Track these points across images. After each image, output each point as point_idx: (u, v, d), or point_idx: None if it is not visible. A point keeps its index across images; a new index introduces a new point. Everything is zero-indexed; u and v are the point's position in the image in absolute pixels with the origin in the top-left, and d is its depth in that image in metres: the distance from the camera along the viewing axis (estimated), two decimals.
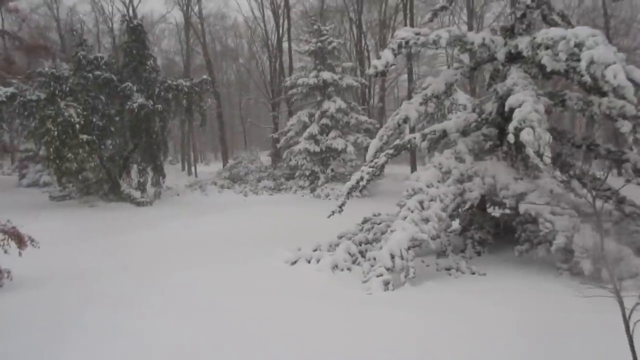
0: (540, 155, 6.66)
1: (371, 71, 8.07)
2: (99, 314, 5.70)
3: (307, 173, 21.23)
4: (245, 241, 10.24)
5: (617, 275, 6.26)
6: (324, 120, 21.06)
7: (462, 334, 4.70)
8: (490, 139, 9.45)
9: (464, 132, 10.05)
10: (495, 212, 10.29)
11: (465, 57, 14.94)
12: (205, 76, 20.23)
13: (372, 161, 9.00)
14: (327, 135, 21.10)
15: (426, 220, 7.15)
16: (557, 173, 8.99)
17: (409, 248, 6.69)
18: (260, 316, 5.34)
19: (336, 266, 7.70)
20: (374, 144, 9.00)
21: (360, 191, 10.10)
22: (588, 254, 6.33)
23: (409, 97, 27.83)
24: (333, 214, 9.65)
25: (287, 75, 26.17)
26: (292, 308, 5.54)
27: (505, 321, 5.02)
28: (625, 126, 7.24)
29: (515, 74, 8.31)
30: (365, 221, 9.64)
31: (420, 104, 9.09)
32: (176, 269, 7.75)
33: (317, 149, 20.76)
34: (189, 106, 19.06)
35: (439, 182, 7.87)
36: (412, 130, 9.96)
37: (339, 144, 20.72)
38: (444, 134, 10.21)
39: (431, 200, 7.44)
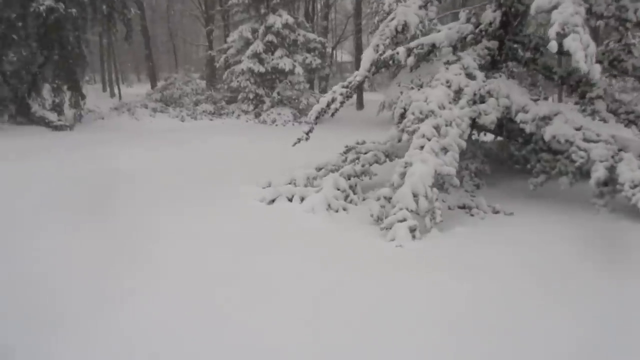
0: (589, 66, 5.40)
1: None
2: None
3: (251, 96, 19.13)
4: (201, 174, 8.47)
5: None
6: (269, 37, 18.74)
7: (551, 310, 3.53)
8: (492, 53, 8.13)
9: (456, 47, 8.69)
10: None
11: None
12: None
13: (366, 74, 7.44)
14: (272, 55, 18.90)
15: (444, 150, 5.81)
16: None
17: (432, 185, 5.35)
18: (270, 289, 3.84)
19: (329, 205, 6.27)
20: (368, 55, 7.38)
21: (332, 115, 8.55)
22: None
23: (357, 15, 25.95)
24: (299, 142, 8.19)
25: None
26: (308, 275, 4.06)
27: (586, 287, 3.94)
28: None
29: None
30: (347, 150, 8.19)
31: (420, 7, 7.46)
32: (130, 213, 5.95)
33: (262, 70, 18.57)
34: (110, 13, 16.01)
35: (450, 103, 6.48)
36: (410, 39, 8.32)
37: (286, 64, 18.64)
38: (433, 47, 8.79)
39: (446, 125, 6.06)
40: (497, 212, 6.14)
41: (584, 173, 6.41)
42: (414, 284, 3.90)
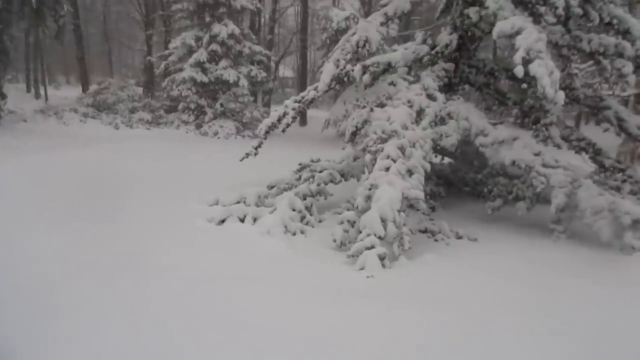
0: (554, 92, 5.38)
1: None
2: None
3: (192, 107, 18.34)
4: (139, 188, 7.71)
5: None
6: (214, 46, 18.10)
7: (529, 345, 3.29)
8: (449, 75, 8.10)
9: (411, 67, 8.61)
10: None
11: None
12: None
13: (326, 89, 7.12)
14: (216, 65, 18.25)
15: (409, 172, 5.56)
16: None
17: (400, 210, 5.06)
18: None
19: (286, 227, 5.83)
20: (329, 69, 7.09)
21: (283, 130, 8.18)
22: (602, 214, 5.35)
23: (302, 31, 25.83)
24: (247, 157, 7.76)
25: None
26: (280, 311, 3.53)
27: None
28: (627, 67, 6.30)
29: None
30: (302, 168, 7.80)
31: (382, 24, 7.34)
32: (57, 230, 5.15)
33: (205, 79, 17.87)
34: (40, 8, 14.73)
35: (412, 123, 6.29)
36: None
37: (230, 75, 18.04)
38: (389, 66, 8.65)
39: (411, 146, 5.83)
40: (460, 237, 5.97)
41: (540, 198, 6.41)
42: (397, 321, 3.48)
